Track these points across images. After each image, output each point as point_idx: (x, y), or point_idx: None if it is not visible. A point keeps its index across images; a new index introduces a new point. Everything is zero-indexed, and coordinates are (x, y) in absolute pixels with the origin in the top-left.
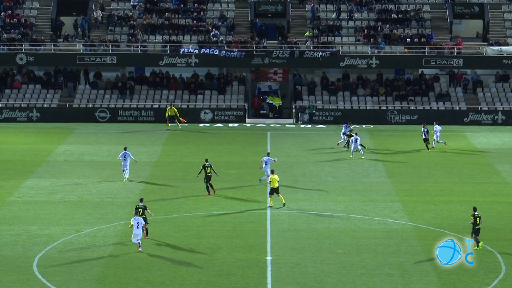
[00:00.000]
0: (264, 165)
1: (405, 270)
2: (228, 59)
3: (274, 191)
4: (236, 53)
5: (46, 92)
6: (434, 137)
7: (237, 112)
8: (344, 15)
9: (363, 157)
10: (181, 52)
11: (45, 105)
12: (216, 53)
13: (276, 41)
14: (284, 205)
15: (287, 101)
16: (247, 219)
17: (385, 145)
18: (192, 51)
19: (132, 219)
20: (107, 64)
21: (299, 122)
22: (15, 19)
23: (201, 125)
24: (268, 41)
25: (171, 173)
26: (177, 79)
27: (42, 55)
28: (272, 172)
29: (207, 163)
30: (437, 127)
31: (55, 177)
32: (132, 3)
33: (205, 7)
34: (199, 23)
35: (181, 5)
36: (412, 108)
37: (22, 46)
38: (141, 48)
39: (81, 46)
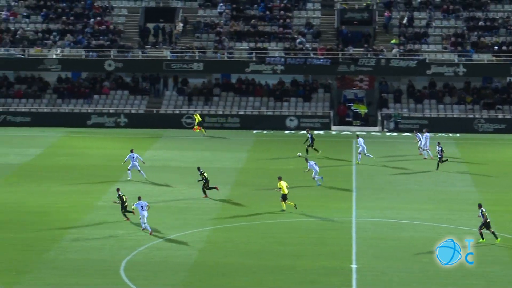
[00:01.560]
0: (314, 170)
1: (491, 280)
2: (314, 66)
3: (285, 197)
4: (321, 60)
5: (133, 98)
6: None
7: (322, 119)
8: (431, 22)
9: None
10: (266, 60)
11: (132, 111)
12: (302, 62)
13: (362, 49)
14: (283, 210)
15: (373, 109)
16: (331, 227)
17: (471, 154)
18: (278, 61)
19: (135, 204)
20: (193, 71)
21: (384, 130)
22: (104, 26)
23: (287, 132)
24: (354, 49)
25: (256, 179)
26: (262, 86)
27: (130, 61)
28: (280, 178)
29: (202, 170)
30: (427, 135)
31: (141, 182)
32: (218, 10)
33: (291, 14)
34: (285, 30)
35: (267, 12)
36: (500, 116)
37: (110, 52)
38: (227, 55)
39: (168, 52)
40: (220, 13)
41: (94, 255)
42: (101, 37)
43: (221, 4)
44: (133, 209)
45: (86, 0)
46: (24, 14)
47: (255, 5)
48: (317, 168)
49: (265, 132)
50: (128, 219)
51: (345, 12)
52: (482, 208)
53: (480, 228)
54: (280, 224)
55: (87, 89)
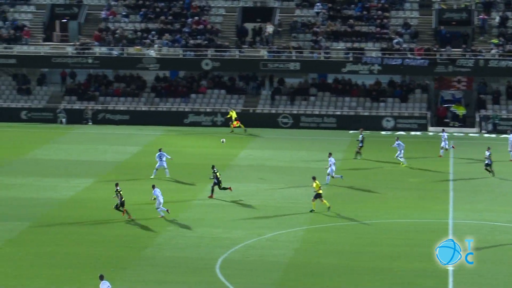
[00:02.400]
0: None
1: None
2: (411, 66)
3: (318, 196)
4: (419, 61)
5: (230, 97)
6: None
7: (419, 120)
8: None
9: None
10: (363, 60)
11: (229, 110)
12: (399, 63)
13: (460, 49)
14: (329, 208)
15: (470, 110)
16: (427, 228)
17: None
18: (375, 59)
19: (153, 192)
20: (290, 71)
21: (482, 131)
22: (201, 26)
23: (383, 132)
24: (452, 49)
25: (351, 180)
26: (359, 86)
27: (227, 61)
28: (314, 178)
29: (215, 169)
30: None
31: (238, 181)
32: (315, 10)
33: (388, 14)
34: (382, 30)
35: (364, 12)
36: None
37: (208, 52)
38: (324, 54)
39: (265, 52)
40: (317, 13)
41: (190, 252)
42: (198, 37)
43: (318, 4)
44: (154, 198)
45: (184, 0)
46: (123, 13)
47: (352, 5)
48: (334, 168)
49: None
50: (125, 213)
51: (443, 12)
52: None
53: None
54: (375, 225)
55: (185, 88)
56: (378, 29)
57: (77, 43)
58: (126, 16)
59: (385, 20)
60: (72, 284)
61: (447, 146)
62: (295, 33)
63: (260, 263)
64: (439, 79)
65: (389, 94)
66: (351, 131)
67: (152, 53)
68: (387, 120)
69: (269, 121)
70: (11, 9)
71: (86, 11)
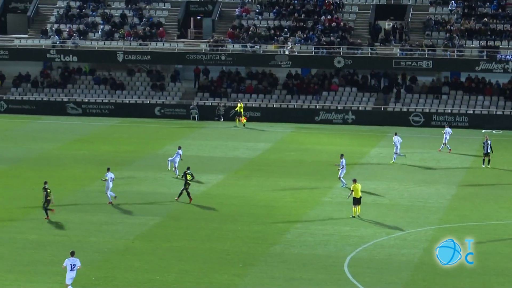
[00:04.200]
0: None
1: None
2: None
3: (357, 201)
4: None
5: (362, 95)
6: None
7: None
8: None
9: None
10: (498, 58)
11: (360, 108)
12: None
13: None
14: (358, 216)
15: None
16: None
17: None
18: (509, 58)
19: (105, 174)
20: (422, 69)
21: None
22: (334, 23)
23: None
24: None
25: (484, 179)
26: (493, 85)
27: (359, 58)
28: (355, 181)
29: (188, 171)
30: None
31: (368, 180)
32: (450, 8)
33: None
34: None
35: (500, 10)
36: None
37: (340, 49)
38: (457, 53)
39: (398, 50)
40: (451, 11)
41: (318, 250)
42: (331, 34)
43: (452, 1)
44: (105, 179)
45: None
46: (257, 11)
47: (488, 3)
48: (344, 170)
49: (494, 132)
50: (47, 217)
51: None
52: None
53: None
54: (507, 226)
55: (316, 85)
56: None
57: (211, 40)
58: (260, 13)
59: None
60: (200, 279)
61: (446, 141)
62: (429, 31)
63: (389, 262)
64: None
65: None
66: (483, 130)
67: (286, 50)
68: None
69: (401, 119)
70: (147, 6)
71: (220, 8)
